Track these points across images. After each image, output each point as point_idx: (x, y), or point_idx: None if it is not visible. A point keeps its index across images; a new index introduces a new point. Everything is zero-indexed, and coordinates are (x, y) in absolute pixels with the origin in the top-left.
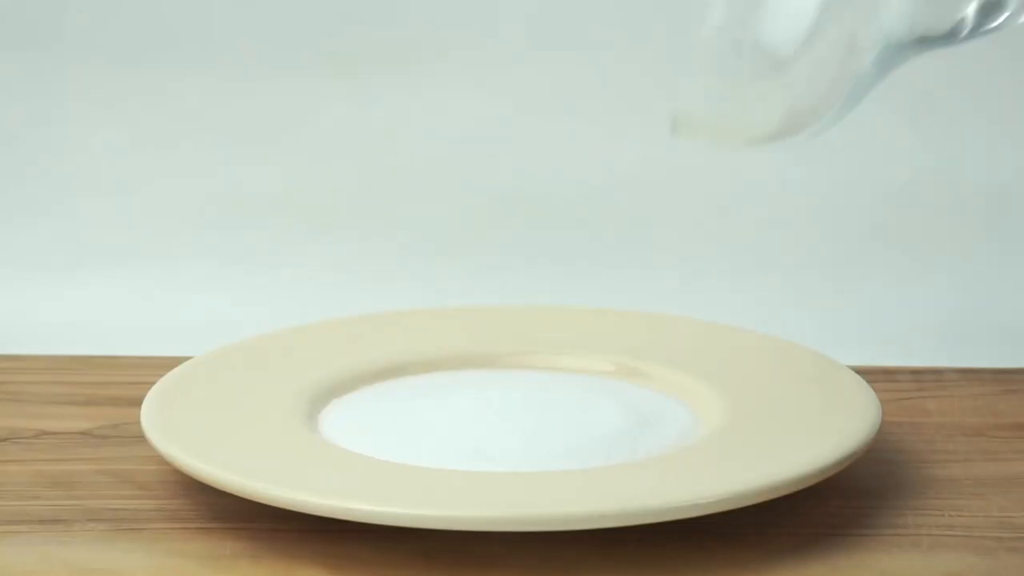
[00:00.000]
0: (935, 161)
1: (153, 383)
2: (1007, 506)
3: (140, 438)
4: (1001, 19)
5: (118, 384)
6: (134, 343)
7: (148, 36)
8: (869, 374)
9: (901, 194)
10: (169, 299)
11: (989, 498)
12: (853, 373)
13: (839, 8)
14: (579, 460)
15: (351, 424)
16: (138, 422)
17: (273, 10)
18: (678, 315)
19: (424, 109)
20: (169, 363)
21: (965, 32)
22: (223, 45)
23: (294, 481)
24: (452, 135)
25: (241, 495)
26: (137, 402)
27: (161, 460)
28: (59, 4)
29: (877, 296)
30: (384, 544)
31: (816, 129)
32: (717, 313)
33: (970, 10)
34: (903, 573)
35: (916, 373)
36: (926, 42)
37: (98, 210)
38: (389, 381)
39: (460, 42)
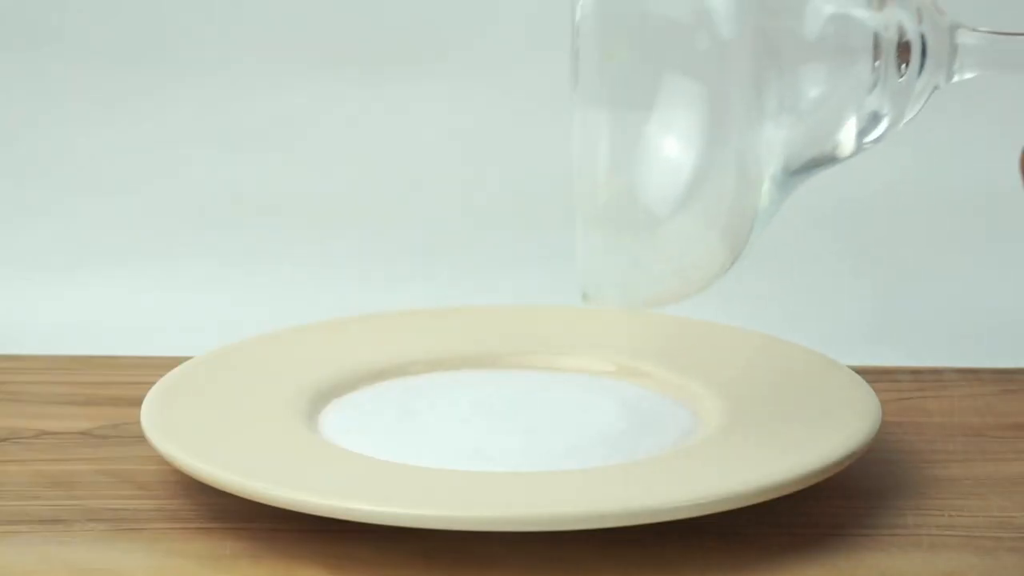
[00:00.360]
0: (936, 161)
1: (153, 383)
2: (1007, 506)
3: (140, 438)
4: (881, 131)
5: (118, 384)
6: (134, 343)
7: (148, 36)
8: (869, 374)
9: (901, 194)
10: (169, 299)
11: (989, 498)
12: (853, 373)
13: (720, 157)
14: (579, 460)
15: (351, 424)
16: (138, 422)
17: (273, 11)
18: (678, 315)
19: (424, 109)
20: (169, 363)
21: (848, 153)
22: (223, 46)
23: (294, 481)
24: (452, 135)
25: (241, 495)
26: (137, 402)
27: (161, 460)
28: (59, 4)
29: (877, 296)
30: (384, 544)
31: (729, 268)
32: (717, 313)
33: (847, 132)
34: (903, 573)
35: (916, 373)
36: (810, 168)
37: (98, 210)
38: (389, 381)
39: (460, 42)
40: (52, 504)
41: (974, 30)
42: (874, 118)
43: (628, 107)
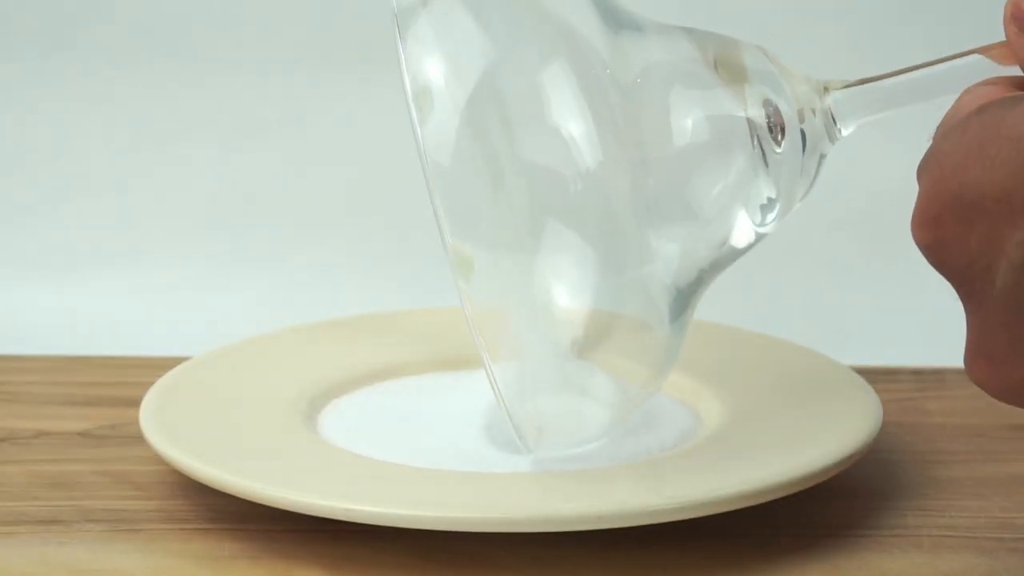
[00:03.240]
0: None
1: (152, 383)
2: (1008, 506)
3: (139, 438)
4: (775, 214)
5: (117, 384)
6: (134, 343)
7: (148, 36)
8: (870, 374)
9: (901, 193)
10: (169, 299)
11: (990, 498)
12: (854, 373)
13: (618, 287)
14: (579, 460)
15: (351, 424)
16: (137, 422)
17: (273, 10)
18: None
19: None
20: (169, 363)
21: (747, 244)
22: (223, 45)
23: (293, 482)
24: None
25: (240, 496)
26: (136, 402)
27: (160, 460)
28: (59, 4)
29: (877, 296)
30: (383, 545)
31: (656, 390)
32: (718, 313)
33: (741, 225)
34: (904, 573)
35: (917, 373)
36: (713, 270)
37: (98, 210)
38: (389, 381)
39: None
40: (50, 505)
41: (844, 85)
42: (765, 203)
43: (513, 252)
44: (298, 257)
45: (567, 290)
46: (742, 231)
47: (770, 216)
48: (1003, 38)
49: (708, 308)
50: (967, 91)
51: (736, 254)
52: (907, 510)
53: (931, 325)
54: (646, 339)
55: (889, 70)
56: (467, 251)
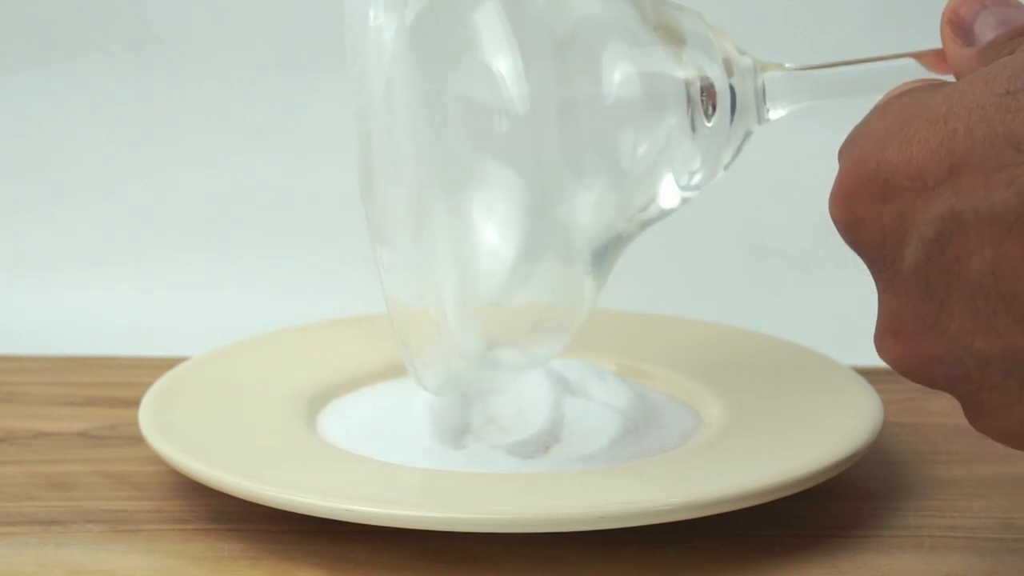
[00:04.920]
0: None
1: (151, 383)
2: (1009, 507)
3: (138, 439)
4: (699, 180)
5: (116, 385)
6: (133, 343)
7: (148, 36)
8: (871, 374)
9: None
10: (169, 299)
11: (991, 499)
12: (855, 373)
13: (540, 232)
14: (580, 461)
15: (351, 424)
16: (136, 423)
17: (272, 9)
18: (678, 315)
19: None
20: (168, 363)
21: (671, 206)
22: (223, 44)
23: (292, 482)
24: None
25: (239, 496)
26: (135, 403)
27: (159, 461)
28: (58, 4)
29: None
30: (383, 545)
31: (569, 338)
32: (717, 313)
33: (667, 186)
34: (904, 573)
35: None
36: (636, 227)
37: (98, 210)
38: (389, 381)
39: None
40: (49, 505)
41: (779, 68)
42: (690, 168)
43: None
44: (298, 257)
45: (495, 231)
46: (667, 193)
47: (694, 182)
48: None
49: (708, 308)
50: (893, 90)
51: (661, 215)
52: (907, 510)
53: None
54: (565, 289)
55: (828, 61)
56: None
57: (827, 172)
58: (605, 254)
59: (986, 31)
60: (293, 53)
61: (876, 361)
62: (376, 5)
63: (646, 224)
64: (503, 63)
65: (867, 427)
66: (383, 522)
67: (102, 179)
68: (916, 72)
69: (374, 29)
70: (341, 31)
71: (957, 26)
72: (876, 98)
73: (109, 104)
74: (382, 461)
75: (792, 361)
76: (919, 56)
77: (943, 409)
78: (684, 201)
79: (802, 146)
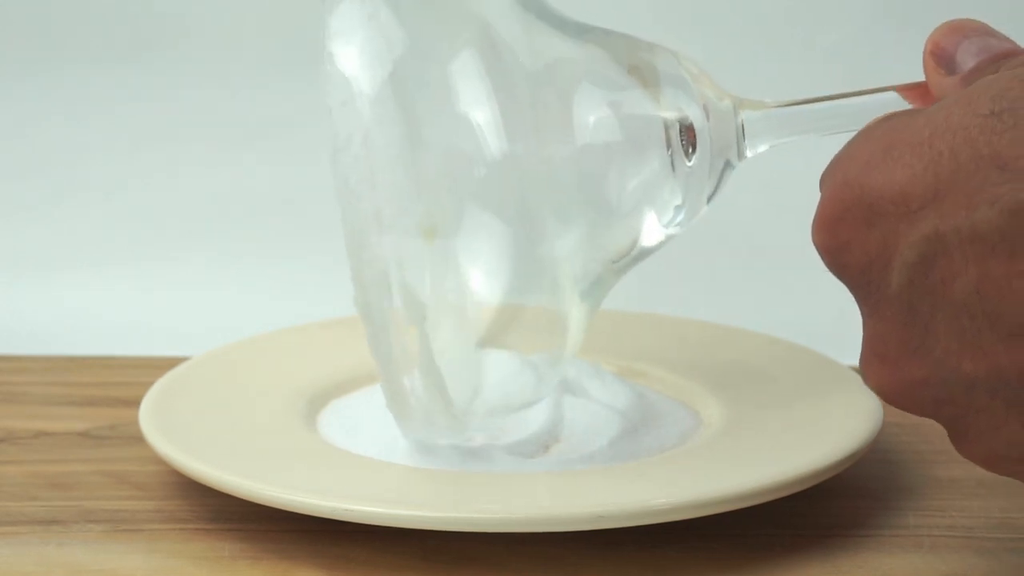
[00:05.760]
0: None
1: (152, 383)
2: (1009, 507)
3: (138, 439)
4: (682, 217)
5: (116, 384)
6: (133, 343)
7: (147, 36)
8: None
9: None
10: (169, 299)
11: (990, 499)
12: (855, 373)
13: (525, 276)
14: (580, 461)
15: (351, 424)
16: (136, 423)
17: (272, 9)
18: (678, 315)
19: None
20: (168, 363)
21: (656, 243)
22: (223, 45)
23: (293, 482)
24: None
25: (240, 496)
26: (135, 402)
27: (159, 461)
28: (58, 4)
29: None
30: (383, 545)
31: (559, 377)
32: (717, 313)
33: (649, 225)
34: (904, 573)
35: None
36: (623, 266)
37: (98, 210)
38: None
39: None
40: (50, 505)
41: (759, 105)
42: (672, 206)
43: (430, 235)
44: (298, 257)
45: (480, 275)
46: (650, 231)
47: (677, 219)
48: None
49: (708, 308)
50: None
51: (644, 253)
52: (907, 510)
53: None
54: (551, 332)
55: (808, 96)
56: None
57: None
58: (591, 292)
59: (968, 59)
60: (293, 53)
61: None
62: (350, 53)
63: (631, 263)
64: (481, 114)
65: (867, 427)
66: (383, 522)
67: (102, 179)
68: (898, 105)
69: (352, 79)
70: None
71: (939, 57)
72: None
73: (109, 105)
74: (382, 461)
75: (792, 361)
76: (902, 89)
77: None
78: (668, 237)
79: (802, 146)
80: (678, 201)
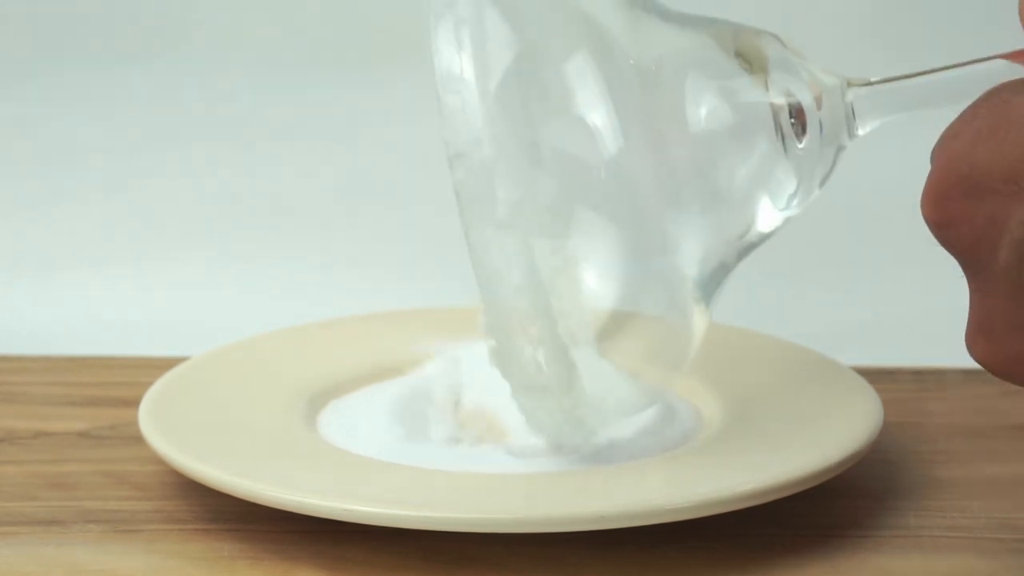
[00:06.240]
0: None
1: (152, 383)
2: (1009, 507)
3: (138, 439)
4: (797, 202)
5: (116, 384)
6: (133, 343)
7: (148, 36)
8: (870, 374)
9: (901, 193)
10: (169, 299)
11: (991, 499)
12: (854, 373)
13: (642, 277)
14: (580, 460)
15: (351, 424)
16: (136, 423)
17: (272, 9)
18: None
19: (425, 107)
20: (168, 363)
21: (771, 229)
22: (223, 45)
23: (293, 482)
24: None
25: (239, 496)
26: (135, 403)
27: (159, 461)
28: (58, 4)
29: (878, 296)
30: (383, 545)
31: (679, 375)
32: (717, 313)
33: (765, 212)
34: (904, 573)
35: (918, 373)
36: (737, 256)
37: (98, 210)
38: (389, 381)
39: None
40: (49, 505)
41: (865, 83)
42: (787, 191)
43: (542, 237)
44: (298, 257)
45: (595, 276)
46: (765, 218)
47: (792, 205)
48: None
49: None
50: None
51: (762, 238)
52: (907, 510)
53: (931, 325)
54: (670, 329)
55: (912, 71)
56: (495, 242)
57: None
58: (709, 284)
59: None
60: (294, 53)
61: (876, 361)
62: (463, 55)
63: (748, 250)
64: (597, 117)
65: (867, 427)
66: (383, 522)
67: (102, 179)
68: (1006, 73)
69: (466, 81)
70: (342, 33)
71: None
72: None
73: (109, 105)
74: (382, 461)
75: (792, 361)
76: (1009, 56)
77: (942, 409)
78: (785, 221)
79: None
80: (792, 185)
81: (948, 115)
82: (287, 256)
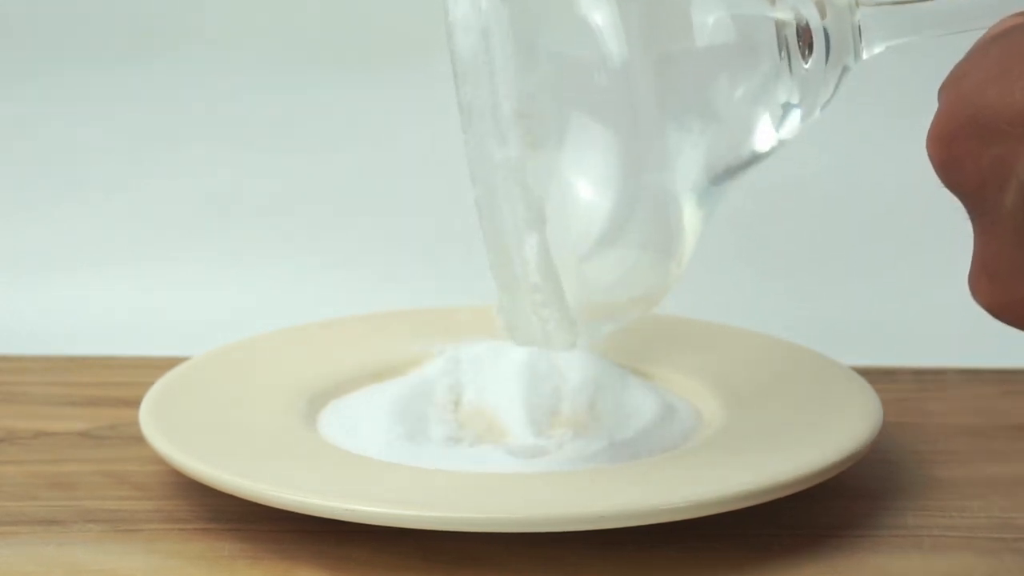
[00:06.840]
0: None
1: (152, 383)
2: (1009, 507)
3: (138, 439)
4: (796, 121)
5: (116, 384)
6: (133, 343)
7: (148, 36)
8: (870, 374)
9: (902, 193)
10: (169, 299)
11: (991, 499)
12: (854, 373)
13: (638, 181)
14: (580, 460)
15: (351, 424)
16: (136, 423)
17: (272, 9)
18: (679, 315)
19: (425, 107)
20: (169, 363)
21: (768, 148)
22: (223, 44)
23: (293, 481)
24: (453, 133)
25: (240, 496)
26: (136, 402)
27: (159, 461)
28: (58, 4)
29: (877, 296)
30: (383, 545)
31: (673, 286)
32: (717, 313)
33: (763, 129)
34: (904, 573)
35: (917, 373)
36: (734, 171)
37: (98, 210)
38: (389, 381)
39: None
40: (49, 505)
41: (875, 3)
42: (787, 110)
43: (534, 147)
44: (298, 257)
45: (590, 185)
46: (763, 135)
47: (791, 124)
48: None
49: (708, 308)
50: (993, 27)
51: (756, 160)
52: (907, 510)
53: (931, 325)
54: (664, 237)
55: None
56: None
57: (828, 172)
58: (705, 198)
59: None
60: (294, 53)
61: (876, 361)
62: None
63: (743, 168)
64: (600, 16)
65: (867, 427)
66: (383, 522)
67: (102, 179)
68: (1020, 2)
69: None
70: (341, 32)
71: None
72: (977, 34)
73: (109, 105)
74: (382, 461)
75: (792, 361)
76: None
77: (942, 409)
78: (781, 143)
79: (803, 145)
80: (795, 100)
81: (949, 63)
82: (287, 256)
